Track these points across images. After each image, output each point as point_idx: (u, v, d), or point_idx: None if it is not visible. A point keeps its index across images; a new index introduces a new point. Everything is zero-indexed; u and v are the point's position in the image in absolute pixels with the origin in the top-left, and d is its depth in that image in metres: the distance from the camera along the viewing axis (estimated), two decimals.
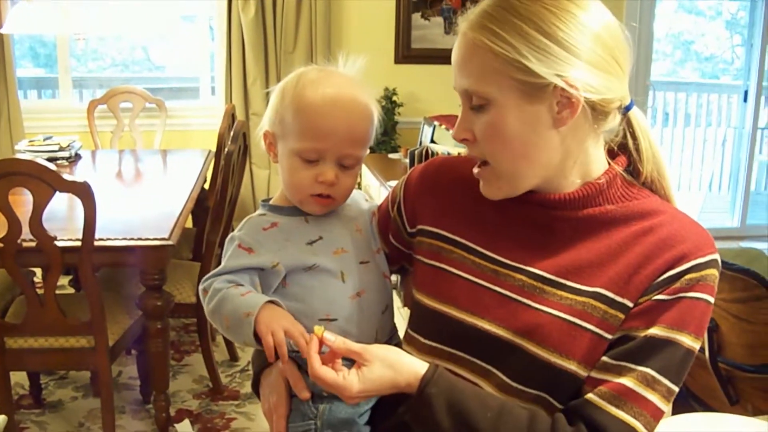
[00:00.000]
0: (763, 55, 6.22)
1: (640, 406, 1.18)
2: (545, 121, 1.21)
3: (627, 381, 1.19)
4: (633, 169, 1.32)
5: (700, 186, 7.49)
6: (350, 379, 1.23)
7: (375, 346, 1.28)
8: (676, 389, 1.21)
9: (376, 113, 1.39)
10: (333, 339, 1.26)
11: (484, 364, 1.28)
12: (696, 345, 1.21)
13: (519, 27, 1.19)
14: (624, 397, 1.19)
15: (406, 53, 5.40)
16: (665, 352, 1.19)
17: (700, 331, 1.21)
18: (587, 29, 1.20)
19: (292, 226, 1.39)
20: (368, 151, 1.40)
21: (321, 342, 1.25)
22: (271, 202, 1.45)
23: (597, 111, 1.22)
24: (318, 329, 1.26)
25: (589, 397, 1.21)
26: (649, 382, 1.19)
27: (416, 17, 5.34)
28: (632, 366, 1.19)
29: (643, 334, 1.20)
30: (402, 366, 1.26)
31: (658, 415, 1.20)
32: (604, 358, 1.22)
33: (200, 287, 1.40)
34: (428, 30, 5.34)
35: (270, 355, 1.26)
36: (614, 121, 1.27)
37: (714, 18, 7.89)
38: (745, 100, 6.40)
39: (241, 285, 1.34)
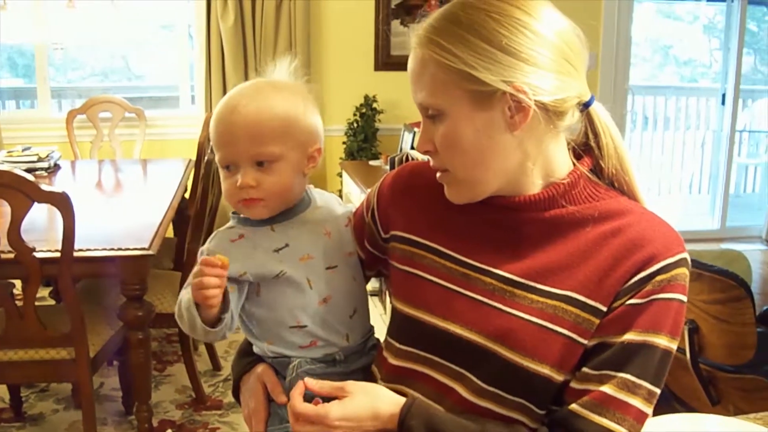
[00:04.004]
0: (740, 58, 6.27)
1: (622, 412, 1.19)
2: (499, 126, 1.22)
3: (607, 389, 1.19)
4: (597, 168, 1.32)
5: (681, 188, 7.54)
6: (328, 407, 1.26)
7: (355, 382, 1.32)
8: (658, 391, 1.22)
9: (299, 110, 1.38)
10: (314, 383, 1.31)
11: (458, 369, 1.28)
12: (673, 345, 1.22)
13: (463, 37, 1.20)
14: (606, 405, 1.19)
15: (386, 60, 5.41)
16: (642, 356, 1.20)
17: (676, 331, 1.22)
18: (533, 33, 1.20)
19: (259, 235, 1.40)
20: (293, 145, 1.38)
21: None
22: (241, 215, 1.45)
23: (550, 111, 1.23)
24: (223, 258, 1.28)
25: (571, 407, 1.21)
26: (630, 388, 1.19)
27: (395, 24, 5.35)
28: (611, 373, 1.20)
29: (619, 340, 1.20)
30: (383, 395, 1.29)
31: (641, 418, 1.20)
32: (585, 369, 1.22)
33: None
34: (407, 37, 5.32)
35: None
36: (573, 118, 1.27)
37: (692, 22, 7.95)
38: (723, 103, 6.45)
39: None
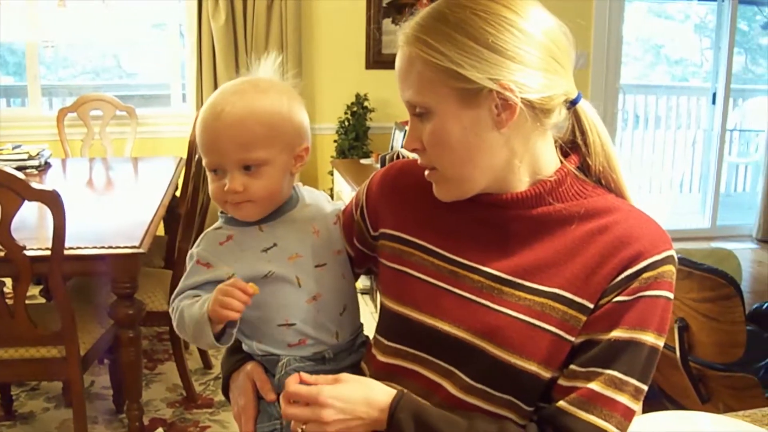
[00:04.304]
0: (731, 57, 6.30)
1: (609, 409, 1.19)
2: (486, 124, 1.23)
3: (594, 385, 1.20)
4: (584, 166, 1.32)
5: (671, 187, 7.56)
6: (321, 386, 1.26)
7: (350, 374, 1.32)
8: (645, 387, 1.22)
9: (285, 111, 1.37)
10: (309, 376, 1.31)
11: (446, 366, 1.29)
12: (660, 342, 1.22)
13: (450, 35, 1.20)
14: (593, 401, 1.20)
15: (377, 58, 5.41)
16: (629, 353, 1.20)
17: (663, 328, 1.23)
18: (520, 32, 1.21)
19: (247, 236, 1.40)
20: (281, 148, 1.37)
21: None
22: (229, 214, 1.45)
23: (537, 109, 1.23)
24: (255, 288, 1.30)
25: (559, 405, 1.22)
26: (617, 384, 1.20)
27: (387, 23, 5.36)
28: (599, 370, 1.20)
29: (606, 337, 1.21)
30: (376, 385, 1.30)
31: (629, 415, 1.21)
32: (572, 366, 1.23)
33: (169, 310, 1.43)
34: (399, 32, 5.35)
35: None
36: (559, 116, 1.28)
37: (683, 22, 7.96)
38: (714, 102, 6.47)
39: (198, 296, 1.37)
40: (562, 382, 1.24)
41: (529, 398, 1.26)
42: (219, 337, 1.33)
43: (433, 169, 1.30)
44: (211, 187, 1.39)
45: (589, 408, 1.20)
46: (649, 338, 1.21)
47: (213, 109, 1.35)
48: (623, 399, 1.20)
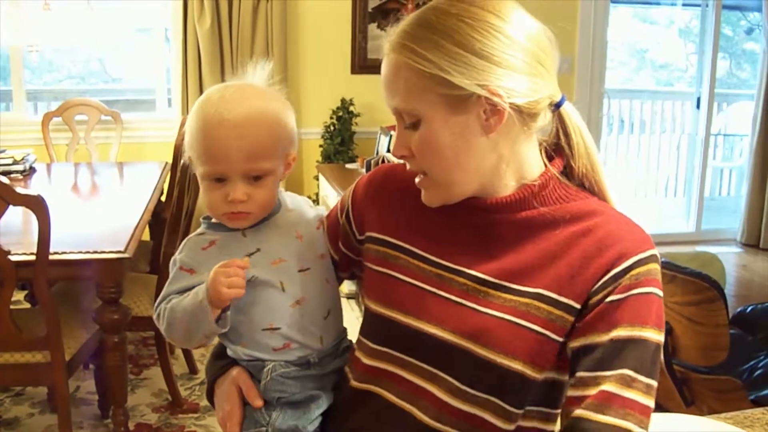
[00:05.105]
0: (715, 62, 6.33)
1: (626, 407, 1.18)
2: (474, 129, 1.23)
3: (606, 386, 1.19)
4: (568, 168, 1.33)
5: (656, 191, 7.60)
6: None
7: None
8: (655, 384, 1.21)
9: (283, 119, 1.37)
10: None
11: (431, 369, 1.29)
12: (660, 338, 1.22)
13: (437, 42, 1.21)
14: (608, 402, 1.18)
15: (363, 63, 5.42)
16: (633, 350, 1.20)
17: (660, 324, 1.22)
18: (506, 37, 1.21)
19: (230, 241, 1.39)
20: (281, 157, 1.38)
21: None
22: (212, 220, 1.44)
23: (524, 113, 1.24)
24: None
25: (575, 414, 1.20)
26: (627, 382, 1.19)
27: (372, 27, 5.36)
28: (606, 372, 1.20)
29: (607, 338, 1.20)
30: None
31: (646, 411, 1.19)
32: (579, 374, 1.22)
33: (153, 316, 1.43)
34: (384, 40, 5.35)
35: None
36: (545, 119, 1.29)
37: (668, 26, 8.01)
38: (698, 106, 6.51)
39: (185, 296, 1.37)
40: (572, 393, 1.23)
41: (514, 399, 1.26)
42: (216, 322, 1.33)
43: (424, 175, 1.31)
44: (208, 196, 1.37)
45: (604, 410, 1.18)
46: (651, 334, 1.21)
47: (214, 115, 1.32)
48: (636, 396, 1.19)
